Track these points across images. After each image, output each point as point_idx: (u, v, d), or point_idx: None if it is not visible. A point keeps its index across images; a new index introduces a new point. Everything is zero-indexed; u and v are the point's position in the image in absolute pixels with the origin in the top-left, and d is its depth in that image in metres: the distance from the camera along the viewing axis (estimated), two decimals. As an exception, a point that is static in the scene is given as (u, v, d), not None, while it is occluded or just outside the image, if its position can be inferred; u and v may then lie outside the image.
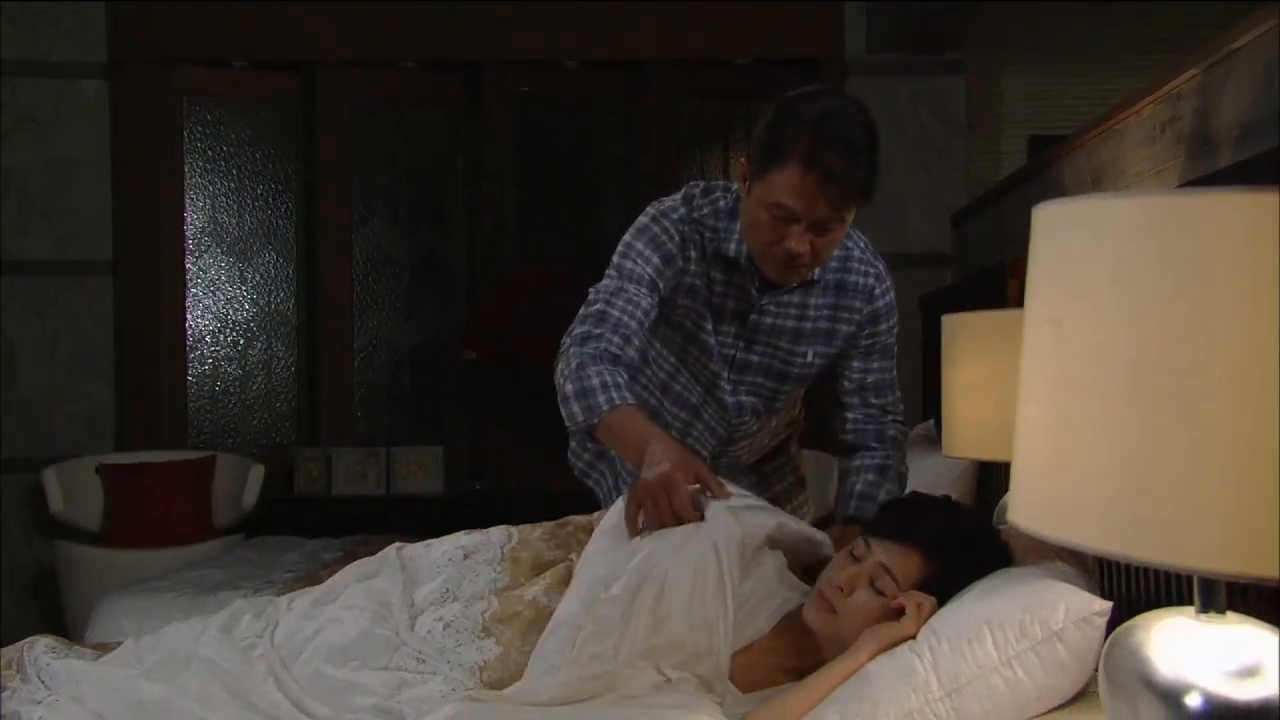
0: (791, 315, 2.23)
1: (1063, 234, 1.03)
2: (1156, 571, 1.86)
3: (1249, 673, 1.04)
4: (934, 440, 3.25)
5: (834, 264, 2.21)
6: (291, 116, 5.18)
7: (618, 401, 1.98)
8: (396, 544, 1.98)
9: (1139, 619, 1.15)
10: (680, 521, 1.82)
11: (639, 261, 2.16)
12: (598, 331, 2.09)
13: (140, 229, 4.91)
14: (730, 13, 4.95)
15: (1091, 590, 1.55)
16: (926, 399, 4.11)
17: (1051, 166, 3.31)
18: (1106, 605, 1.49)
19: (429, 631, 1.78)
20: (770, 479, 2.56)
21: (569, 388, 2.04)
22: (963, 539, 1.71)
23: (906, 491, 1.88)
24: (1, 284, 4.84)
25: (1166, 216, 0.96)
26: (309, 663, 1.74)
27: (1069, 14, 4.90)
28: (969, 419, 2.35)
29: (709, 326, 2.25)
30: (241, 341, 5.17)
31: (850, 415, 2.35)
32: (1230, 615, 1.09)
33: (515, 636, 1.76)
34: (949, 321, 2.45)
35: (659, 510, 1.82)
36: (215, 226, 5.14)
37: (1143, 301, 0.95)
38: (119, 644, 1.97)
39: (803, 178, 1.95)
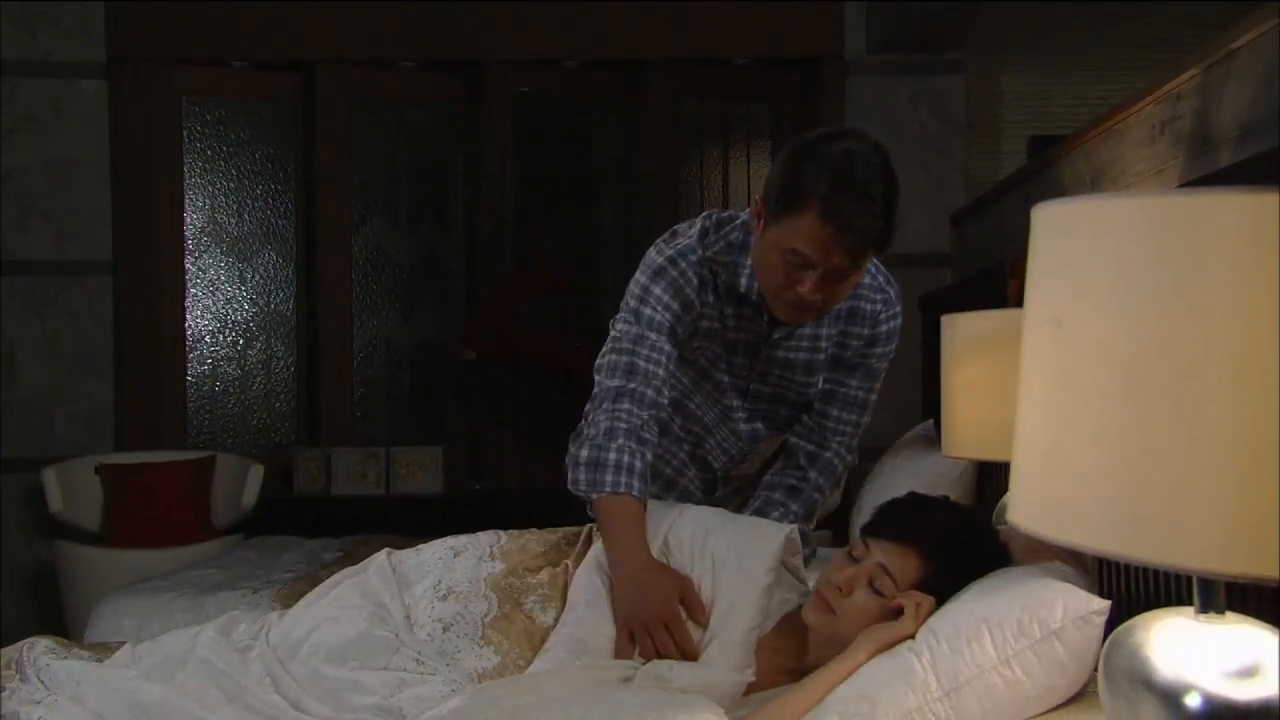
0: (804, 348, 2.22)
1: (1062, 234, 1.03)
2: (1155, 571, 1.86)
3: (1248, 673, 1.04)
4: (933, 440, 3.25)
5: None
6: (291, 116, 5.17)
7: (622, 489, 1.96)
8: (386, 549, 1.98)
9: (1138, 619, 1.15)
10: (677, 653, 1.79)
11: (658, 309, 2.12)
12: (631, 386, 2.07)
13: (140, 229, 4.91)
14: (730, 13, 4.95)
15: (1090, 589, 1.55)
16: (926, 399, 4.11)
17: (1051, 166, 3.31)
18: (1105, 604, 1.49)
19: (429, 635, 1.78)
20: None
21: (585, 453, 2.01)
22: (961, 539, 1.71)
23: (904, 492, 1.88)
24: (1, 284, 4.84)
25: (1166, 216, 0.96)
26: (306, 662, 1.74)
27: (1069, 14, 4.89)
28: (968, 419, 2.35)
29: (723, 365, 2.24)
30: (241, 341, 5.16)
31: (805, 420, 2.34)
32: (1230, 615, 1.09)
33: (512, 648, 1.77)
34: (949, 321, 2.44)
35: (660, 646, 1.79)
36: (215, 226, 5.13)
37: (1142, 301, 0.95)
38: (119, 644, 1.97)
39: (821, 228, 1.89)
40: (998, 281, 3.11)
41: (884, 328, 2.25)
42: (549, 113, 5.24)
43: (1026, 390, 1.08)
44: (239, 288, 5.16)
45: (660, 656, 1.77)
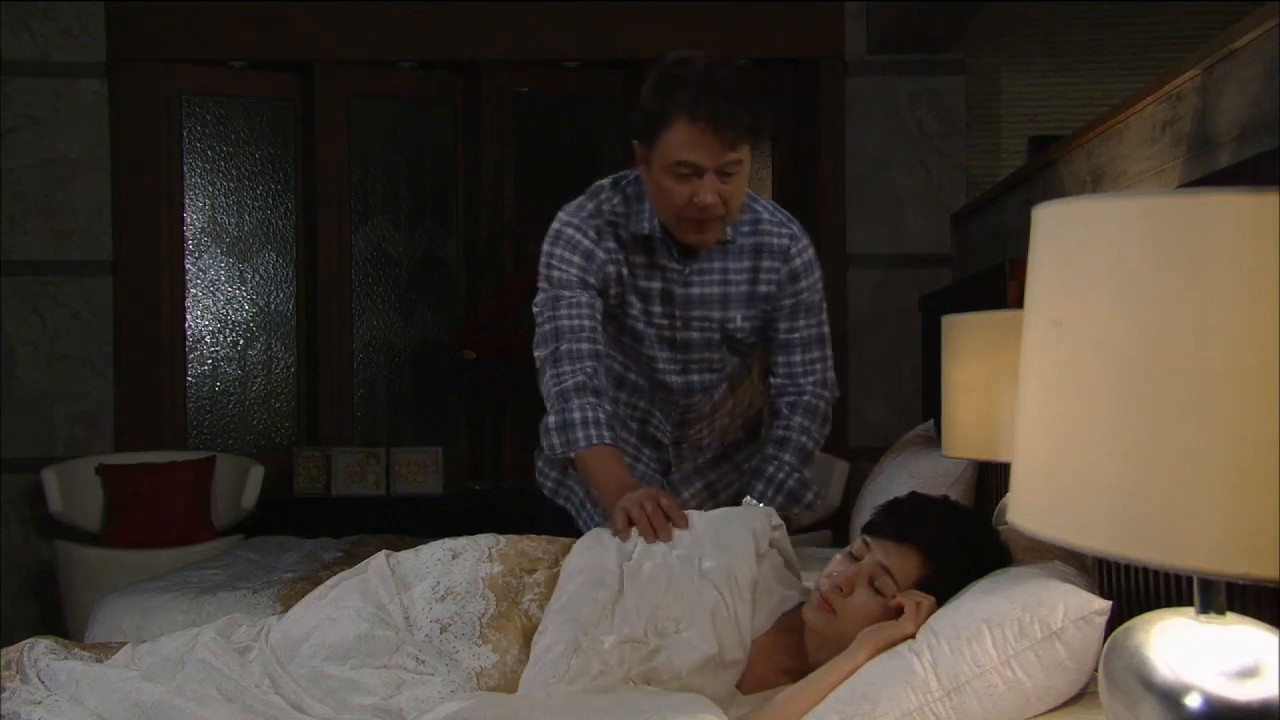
0: (715, 282, 2.30)
1: (1063, 234, 1.03)
2: (1156, 571, 1.86)
3: (1249, 673, 1.04)
4: (934, 440, 3.25)
5: (746, 229, 2.30)
6: (291, 116, 5.17)
7: (595, 441, 2.12)
8: (384, 551, 1.98)
9: (1138, 619, 1.15)
10: (666, 522, 1.89)
11: (562, 266, 2.27)
12: (563, 347, 2.21)
13: (140, 229, 4.91)
14: (730, 13, 4.95)
15: (1091, 590, 1.55)
16: (926, 399, 4.11)
17: (1051, 167, 3.31)
18: (1106, 605, 1.49)
19: (427, 636, 1.78)
20: (742, 466, 2.59)
21: (551, 419, 2.17)
22: (961, 539, 1.72)
23: (905, 492, 1.88)
24: (1, 283, 4.84)
25: (1167, 217, 0.95)
26: (306, 662, 1.74)
27: (1069, 14, 4.90)
28: (969, 419, 2.35)
29: (634, 312, 2.31)
30: (241, 342, 5.16)
31: (774, 380, 2.41)
32: (1230, 616, 1.09)
33: (510, 646, 1.77)
34: (949, 322, 2.45)
35: (648, 514, 1.89)
36: (215, 226, 5.13)
37: (1143, 302, 0.95)
38: (119, 645, 1.97)
39: (691, 127, 2.05)
40: (998, 282, 3.11)
41: (798, 261, 2.34)
42: (549, 113, 5.24)
43: (1027, 391, 1.08)
44: (239, 288, 5.16)
45: (654, 527, 1.87)
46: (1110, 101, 3.12)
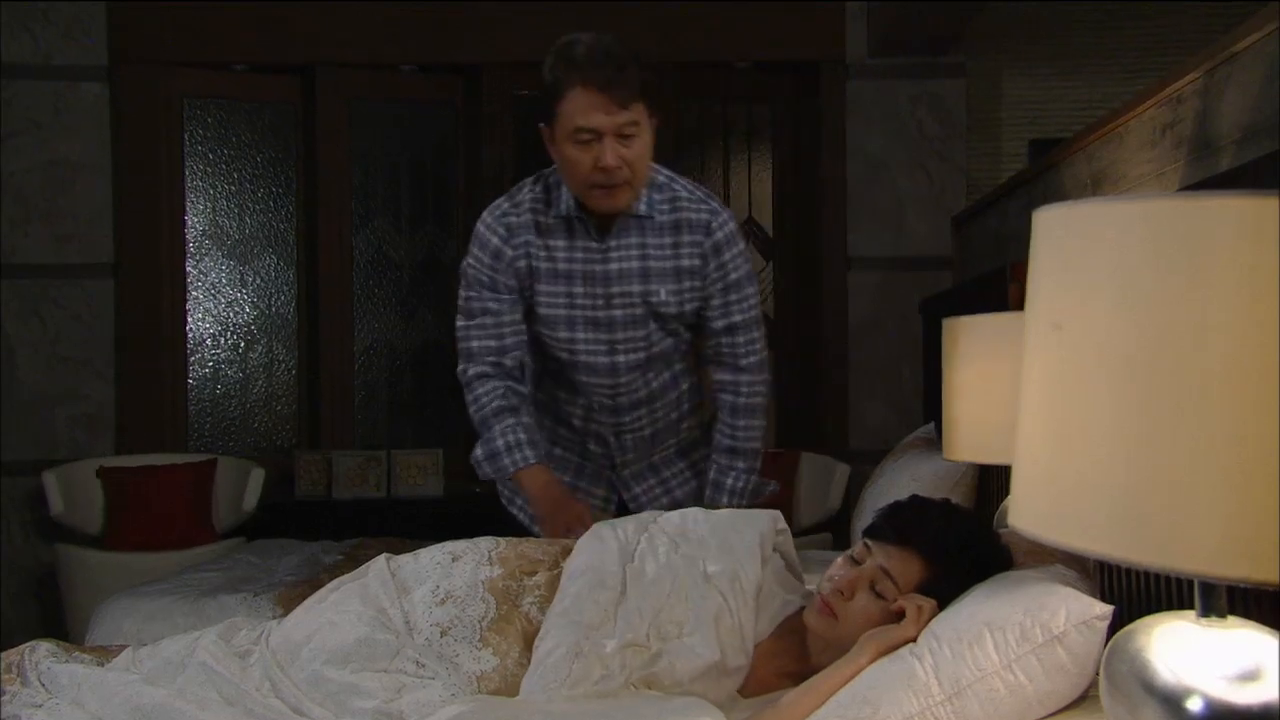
0: (634, 257, 2.37)
1: (1064, 238, 1.03)
2: (1157, 575, 1.86)
3: (1250, 677, 1.04)
4: (934, 443, 3.25)
5: (665, 206, 2.40)
6: (292, 119, 5.18)
7: (521, 464, 2.32)
8: (384, 554, 1.98)
9: (1140, 623, 1.15)
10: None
11: (475, 266, 2.41)
12: (472, 370, 2.38)
13: (141, 232, 4.91)
14: (730, 15, 4.95)
15: (1092, 593, 1.55)
16: (927, 402, 4.11)
17: (1052, 170, 3.30)
18: (1107, 609, 1.49)
19: (427, 640, 1.78)
20: (699, 466, 2.60)
21: (478, 450, 2.38)
22: (963, 542, 1.72)
23: (906, 495, 1.88)
24: (2, 286, 4.84)
25: (1167, 220, 0.95)
26: (306, 665, 1.74)
27: (1069, 16, 4.90)
28: (969, 422, 2.35)
29: (554, 299, 2.39)
30: (242, 345, 5.17)
31: (717, 376, 2.51)
32: (1231, 619, 1.09)
33: (510, 649, 1.76)
34: (950, 325, 2.44)
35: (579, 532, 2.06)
36: (216, 229, 5.14)
37: (1143, 305, 0.95)
38: (120, 648, 1.97)
39: (584, 93, 2.19)
40: (999, 285, 3.11)
41: (720, 234, 2.41)
42: (549, 115, 5.24)
43: (1027, 394, 1.08)
44: (240, 291, 5.16)
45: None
46: (1111, 105, 3.12)
